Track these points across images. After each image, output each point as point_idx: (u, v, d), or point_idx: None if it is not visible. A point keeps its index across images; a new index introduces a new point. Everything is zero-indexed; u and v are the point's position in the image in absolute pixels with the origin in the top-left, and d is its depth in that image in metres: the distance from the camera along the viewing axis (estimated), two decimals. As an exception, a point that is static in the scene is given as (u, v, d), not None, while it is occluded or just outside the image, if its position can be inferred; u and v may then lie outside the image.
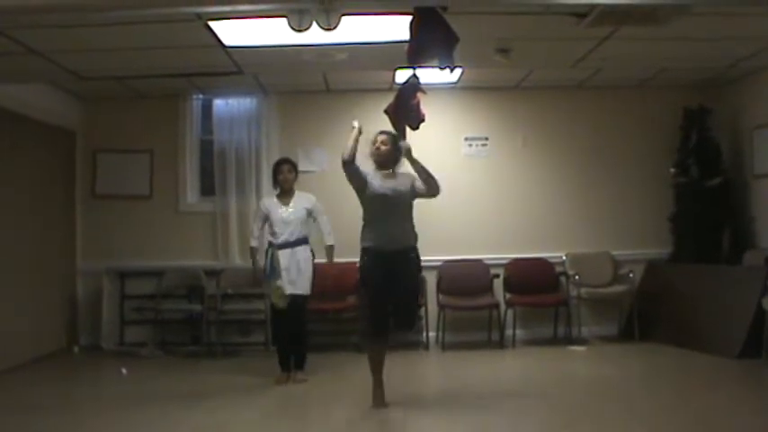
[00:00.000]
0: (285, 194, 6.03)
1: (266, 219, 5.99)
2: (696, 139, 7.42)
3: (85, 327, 7.70)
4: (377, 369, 4.99)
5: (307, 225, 6.04)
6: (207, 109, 7.93)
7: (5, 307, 6.28)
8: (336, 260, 6.09)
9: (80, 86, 7.13)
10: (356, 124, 4.97)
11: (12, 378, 6.16)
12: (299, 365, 5.96)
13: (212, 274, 7.52)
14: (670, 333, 7.00)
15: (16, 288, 6.52)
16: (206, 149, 7.97)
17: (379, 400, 4.98)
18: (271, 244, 5.93)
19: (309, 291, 5.96)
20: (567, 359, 6.85)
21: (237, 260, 7.58)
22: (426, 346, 7.42)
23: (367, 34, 5.38)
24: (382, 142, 5.03)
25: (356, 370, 5.68)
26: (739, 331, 6.22)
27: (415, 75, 4.79)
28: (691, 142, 7.45)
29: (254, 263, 6.17)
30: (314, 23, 4.25)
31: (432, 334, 7.49)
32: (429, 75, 4.92)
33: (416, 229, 5.06)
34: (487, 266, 7.61)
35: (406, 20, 4.49)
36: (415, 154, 4.94)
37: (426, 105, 4.92)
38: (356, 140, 4.92)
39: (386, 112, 4.94)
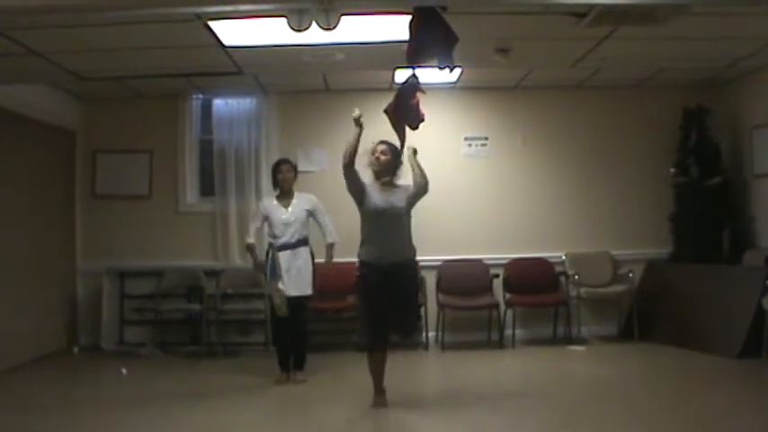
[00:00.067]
0: (285, 195, 6.02)
1: (265, 219, 5.98)
2: (695, 139, 7.42)
3: (85, 327, 7.69)
4: (377, 377, 5.00)
5: (307, 226, 6.03)
6: (207, 109, 7.93)
7: (5, 307, 6.28)
8: (336, 260, 6.07)
9: (80, 87, 7.14)
10: (357, 113, 4.89)
11: (12, 378, 6.16)
12: (299, 366, 5.96)
13: (212, 274, 7.52)
14: (670, 333, 6.99)
15: (16, 288, 6.52)
16: (206, 149, 7.97)
17: (380, 402, 4.99)
18: (271, 245, 5.92)
19: (310, 291, 5.96)
20: (566, 359, 6.85)
21: (237, 260, 7.57)
22: (426, 346, 7.41)
23: (366, 34, 5.38)
24: (382, 152, 5.02)
25: (356, 370, 5.67)
26: (739, 331, 6.22)
27: (414, 74, 4.78)
28: (690, 142, 7.45)
29: (253, 257, 6.13)
30: (313, 23, 4.26)
31: (431, 334, 7.48)
32: (428, 74, 4.92)
33: (416, 229, 5.06)
34: (487, 266, 7.61)
35: (406, 20, 4.49)
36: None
37: (426, 105, 4.91)
38: (357, 140, 4.88)
39: (385, 111, 4.93)
